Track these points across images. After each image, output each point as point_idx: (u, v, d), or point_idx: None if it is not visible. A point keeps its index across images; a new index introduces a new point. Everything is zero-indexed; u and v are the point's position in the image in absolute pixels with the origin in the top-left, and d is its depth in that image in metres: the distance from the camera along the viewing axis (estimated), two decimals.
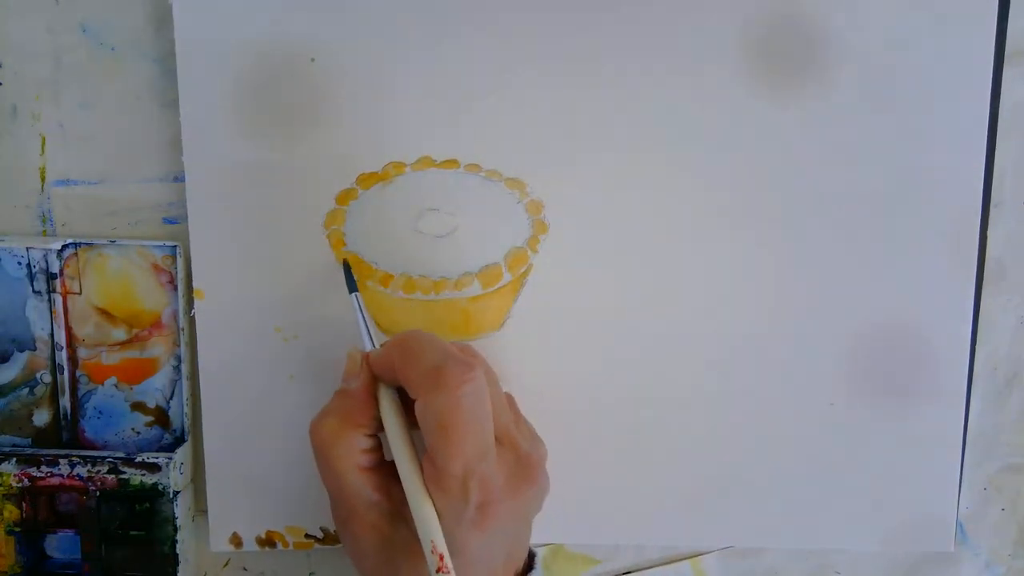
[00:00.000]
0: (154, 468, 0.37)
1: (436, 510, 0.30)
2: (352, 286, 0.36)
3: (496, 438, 0.32)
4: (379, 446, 0.33)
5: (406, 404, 0.32)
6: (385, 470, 0.33)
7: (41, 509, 0.38)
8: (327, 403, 0.33)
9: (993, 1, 0.36)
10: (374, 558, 0.32)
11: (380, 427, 0.33)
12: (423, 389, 0.30)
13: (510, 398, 0.36)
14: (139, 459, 0.37)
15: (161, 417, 0.38)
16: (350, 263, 0.36)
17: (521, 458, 0.32)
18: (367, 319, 0.35)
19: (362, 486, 0.32)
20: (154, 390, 0.38)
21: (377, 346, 0.34)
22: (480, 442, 0.30)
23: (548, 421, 0.37)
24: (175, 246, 0.37)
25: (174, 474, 0.37)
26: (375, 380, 0.33)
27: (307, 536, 0.39)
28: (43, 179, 0.38)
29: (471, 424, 0.30)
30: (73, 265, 0.37)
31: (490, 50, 0.36)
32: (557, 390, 0.38)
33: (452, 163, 0.37)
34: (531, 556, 0.35)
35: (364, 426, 0.32)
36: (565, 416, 0.38)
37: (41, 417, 0.38)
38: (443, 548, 0.30)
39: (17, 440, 0.38)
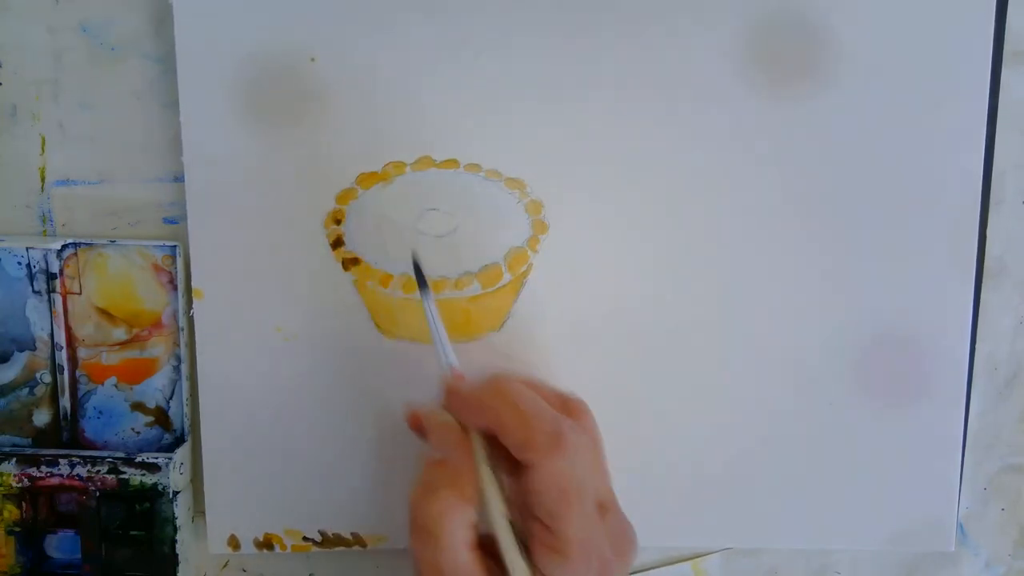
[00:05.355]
0: (154, 468, 0.37)
1: None
2: (422, 282, 0.34)
3: (599, 502, 0.31)
4: (476, 520, 0.31)
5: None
6: (485, 543, 0.31)
7: (41, 509, 0.38)
8: (427, 475, 0.31)
9: (992, 1, 0.36)
10: None
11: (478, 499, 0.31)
12: (541, 454, 0.29)
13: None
14: (139, 459, 0.37)
15: (161, 417, 0.38)
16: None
17: (622, 521, 0.32)
18: (439, 327, 0.33)
19: (471, 563, 0.30)
20: (154, 390, 0.38)
21: (454, 360, 0.33)
22: (592, 506, 0.30)
23: None
24: (175, 246, 0.37)
25: (174, 474, 0.37)
26: (471, 449, 0.32)
27: (305, 539, 0.39)
28: (43, 179, 0.38)
29: (587, 489, 0.30)
30: (73, 265, 0.37)
31: (490, 50, 0.36)
32: None
33: (452, 163, 0.37)
34: None
35: (473, 499, 0.31)
36: None
37: (41, 417, 0.38)
38: None
39: (17, 440, 0.38)
